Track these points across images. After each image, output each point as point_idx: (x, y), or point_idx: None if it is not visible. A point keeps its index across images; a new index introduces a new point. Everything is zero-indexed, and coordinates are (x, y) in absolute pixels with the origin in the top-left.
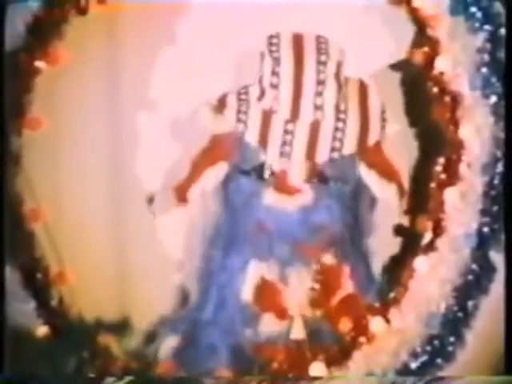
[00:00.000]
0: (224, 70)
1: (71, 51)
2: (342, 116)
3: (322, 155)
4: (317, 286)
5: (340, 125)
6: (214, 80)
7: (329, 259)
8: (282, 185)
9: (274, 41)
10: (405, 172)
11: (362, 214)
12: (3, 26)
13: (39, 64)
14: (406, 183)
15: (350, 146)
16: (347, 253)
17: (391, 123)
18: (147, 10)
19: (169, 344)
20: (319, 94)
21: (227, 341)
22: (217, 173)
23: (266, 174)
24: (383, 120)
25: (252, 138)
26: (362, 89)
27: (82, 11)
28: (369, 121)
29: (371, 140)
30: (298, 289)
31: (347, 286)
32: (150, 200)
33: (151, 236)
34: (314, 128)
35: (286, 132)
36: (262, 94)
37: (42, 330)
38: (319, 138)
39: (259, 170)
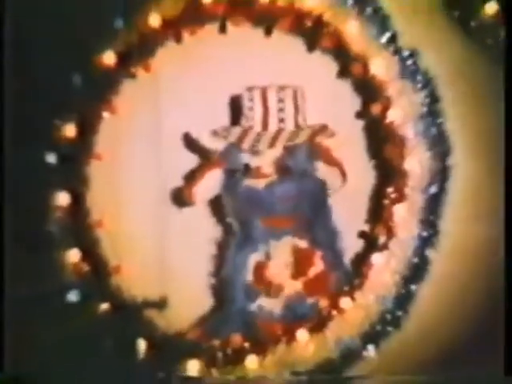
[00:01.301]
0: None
1: (125, 103)
2: None
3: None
4: (292, 260)
5: None
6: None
7: (301, 243)
8: (256, 175)
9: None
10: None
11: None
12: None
13: (105, 114)
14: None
15: None
16: (318, 237)
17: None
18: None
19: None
20: (282, 120)
21: (239, 315)
22: (215, 175)
23: (247, 171)
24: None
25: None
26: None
27: (132, 75)
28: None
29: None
30: (278, 263)
31: (319, 265)
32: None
33: (186, 239)
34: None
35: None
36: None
37: (104, 306)
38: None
39: (243, 169)
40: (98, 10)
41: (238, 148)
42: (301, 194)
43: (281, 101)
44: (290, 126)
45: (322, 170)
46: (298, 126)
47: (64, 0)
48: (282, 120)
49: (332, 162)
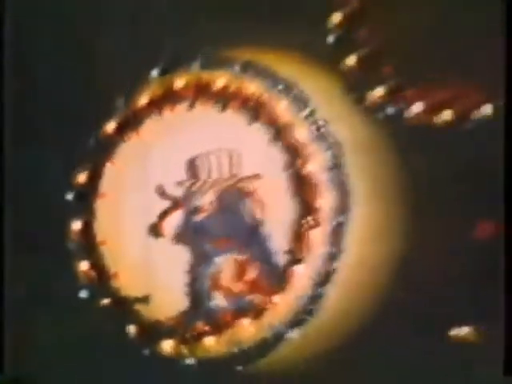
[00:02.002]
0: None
1: (122, 158)
2: None
3: None
4: (234, 270)
5: None
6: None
7: (240, 257)
8: (203, 211)
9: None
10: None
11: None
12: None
13: (108, 165)
14: None
15: None
16: (255, 253)
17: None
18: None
19: None
20: (222, 172)
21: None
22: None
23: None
24: None
25: None
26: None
27: (127, 139)
28: None
29: None
30: (226, 272)
31: (254, 272)
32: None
33: (166, 256)
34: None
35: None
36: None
37: (105, 301)
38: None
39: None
40: (105, 95)
41: (192, 193)
42: (237, 223)
43: (223, 158)
44: (227, 175)
45: (249, 205)
46: (233, 175)
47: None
48: (222, 172)
49: (256, 200)
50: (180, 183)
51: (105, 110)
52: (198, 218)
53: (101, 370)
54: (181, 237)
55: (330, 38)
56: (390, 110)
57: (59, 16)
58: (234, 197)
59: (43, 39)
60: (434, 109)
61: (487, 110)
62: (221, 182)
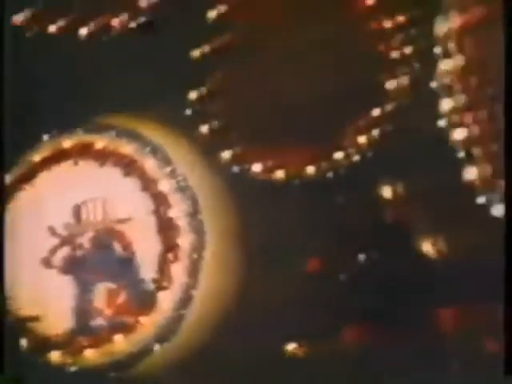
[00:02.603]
0: None
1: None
2: None
3: None
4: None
5: None
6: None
7: (113, 285)
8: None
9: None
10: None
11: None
12: None
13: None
14: None
15: None
16: (128, 282)
17: None
18: None
19: None
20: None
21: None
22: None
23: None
24: None
25: None
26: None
27: (25, 189)
28: None
29: None
30: (102, 298)
31: (123, 298)
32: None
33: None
34: None
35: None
36: None
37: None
38: None
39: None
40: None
41: (76, 233)
42: (110, 257)
43: (100, 205)
44: (102, 218)
45: (120, 242)
46: (107, 218)
47: None
48: (99, 215)
49: (123, 239)
50: (67, 225)
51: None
52: (80, 253)
53: None
54: (67, 268)
55: (188, 111)
56: (236, 169)
57: None
58: (107, 236)
59: None
60: (270, 168)
61: (311, 170)
62: (98, 223)
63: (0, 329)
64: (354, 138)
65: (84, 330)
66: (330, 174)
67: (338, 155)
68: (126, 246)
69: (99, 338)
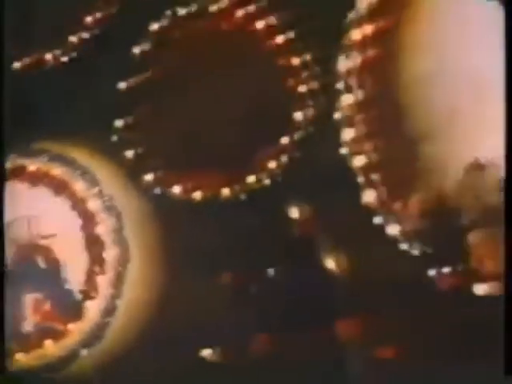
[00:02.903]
0: None
1: None
2: None
3: None
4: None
5: None
6: None
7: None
8: None
9: None
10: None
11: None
12: None
13: None
14: None
15: None
16: (56, 294)
17: None
18: None
19: None
20: None
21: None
22: None
23: None
24: None
25: None
26: None
27: None
28: None
29: None
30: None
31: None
32: None
33: None
34: None
35: None
36: None
37: None
38: None
39: None
40: None
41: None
42: (36, 271)
43: (29, 222)
44: (31, 234)
45: (47, 257)
46: (35, 234)
47: None
48: (27, 231)
49: (49, 254)
50: None
51: None
52: (11, 267)
53: None
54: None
55: (115, 138)
56: (157, 190)
57: None
58: (34, 251)
59: None
60: (188, 190)
61: (226, 192)
62: (23, 239)
63: (1, 328)
64: (264, 163)
65: (17, 335)
66: (243, 196)
67: (251, 179)
68: (52, 260)
69: (30, 343)
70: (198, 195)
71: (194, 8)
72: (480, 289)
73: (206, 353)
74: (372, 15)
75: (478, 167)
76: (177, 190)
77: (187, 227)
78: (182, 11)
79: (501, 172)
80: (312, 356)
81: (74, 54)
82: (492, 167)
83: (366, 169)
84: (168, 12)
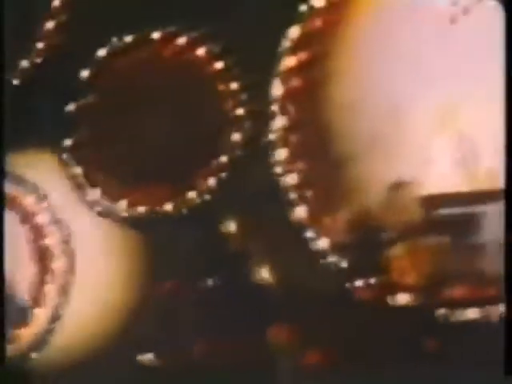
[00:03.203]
0: None
1: None
2: None
3: None
4: None
5: None
6: None
7: None
8: None
9: None
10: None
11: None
12: None
13: None
14: None
15: None
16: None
17: None
18: None
19: None
20: None
21: None
22: None
23: None
24: None
25: None
26: None
27: None
28: None
29: None
30: None
31: None
32: None
33: None
34: None
35: None
36: None
37: None
38: None
39: None
40: None
41: None
42: None
43: None
44: None
45: None
46: None
47: None
48: None
49: None
50: None
51: None
52: None
53: None
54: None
55: (64, 155)
56: (103, 204)
57: None
58: None
59: None
60: (132, 204)
61: (169, 207)
62: None
63: (1, 323)
64: (205, 180)
65: None
66: (184, 210)
67: (192, 194)
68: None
69: None
70: (141, 209)
71: (138, 35)
72: (400, 299)
73: (145, 358)
74: (302, 45)
75: (399, 186)
76: (122, 204)
77: (131, 239)
78: (127, 38)
79: (420, 190)
80: (245, 360)
81: (26, 78)
82: (412, 186)
83: (297, 187)
84: (114, 39)
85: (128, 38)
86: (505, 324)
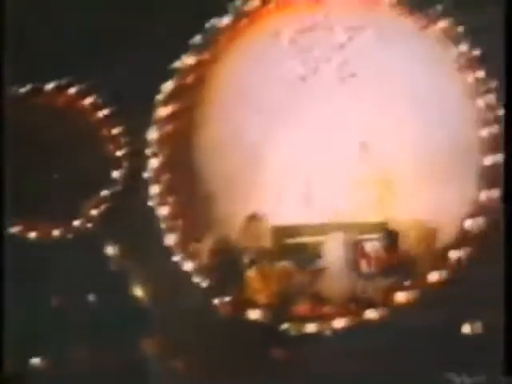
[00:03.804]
0: None
1: None
2: None
3: None
4: None
5: None
6: None
7: None
8: None
9: None
10: None
11: None
12: None
13: None
14: None
15: None
16: None
17: None
18: None
19: None
20: None
21: None
22: None
23: None
24: None
25: None
26: None
27: None
28: None
29: None
30: None
31: None
32: None
33: None
34: None
35: None
36: None
37: None
38: None
39: None
40: None
41: None
42: None
43: None
44: None
45: None
46: None
47: None
48: None
49: None
50: None
51: None
52: None
53: None
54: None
55: None
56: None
57: None
58: None
59: None
60: (24, 230)
61: (56, 232)
62: None
63: (1, 326)
64: (88, 210)
65: None
66: (70, 236)
67: (77, 222)
68: None
69: None
70: (32, 235)
71: (33, 85)
72: (253, 314)
73: (35, 361)
74: (174, 97)
75: (254, 218)
76: (16, 229)
77: (24, 262)
78: (22, 89)
79: (272, 222)
80: (121, 365)
81: None
82: (265, 218)
83: (168, 217)
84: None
85: (22, 89)
86: (505, 323)
